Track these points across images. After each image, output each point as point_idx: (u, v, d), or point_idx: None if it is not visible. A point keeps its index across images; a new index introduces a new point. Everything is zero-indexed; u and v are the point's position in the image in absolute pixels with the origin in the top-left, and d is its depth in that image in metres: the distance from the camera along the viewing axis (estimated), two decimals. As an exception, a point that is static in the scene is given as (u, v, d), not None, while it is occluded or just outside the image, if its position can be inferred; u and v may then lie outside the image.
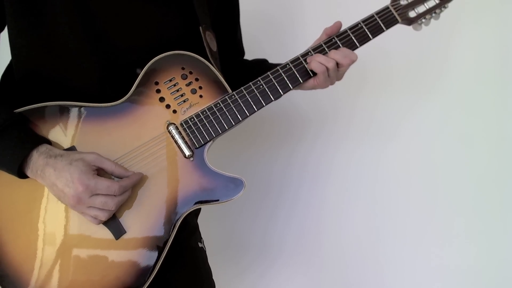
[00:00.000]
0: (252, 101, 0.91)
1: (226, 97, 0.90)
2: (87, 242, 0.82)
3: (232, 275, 1.59)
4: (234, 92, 0.91)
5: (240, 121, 0.90)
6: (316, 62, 0.92)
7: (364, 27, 0.95)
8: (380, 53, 1.37)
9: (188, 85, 0.89)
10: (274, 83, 0.92)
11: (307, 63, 0.93)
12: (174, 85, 0.89)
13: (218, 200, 0.88)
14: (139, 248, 0.84)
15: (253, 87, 0.92)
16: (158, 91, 0.88)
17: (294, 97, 1.20)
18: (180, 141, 0.88)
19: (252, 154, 1.57)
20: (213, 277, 1.07)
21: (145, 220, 0.85)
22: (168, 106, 0.88)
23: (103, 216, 0.79)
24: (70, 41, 0.85)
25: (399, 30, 0.99)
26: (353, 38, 0.94)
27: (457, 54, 1.45)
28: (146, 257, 0.84)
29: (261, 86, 0.92)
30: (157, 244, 0.85)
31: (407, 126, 1.50)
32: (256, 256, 1.60)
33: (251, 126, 1.50)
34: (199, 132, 0.89)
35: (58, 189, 0.77)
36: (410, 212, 1.51)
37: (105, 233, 0.83)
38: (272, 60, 1.11)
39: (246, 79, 0.92)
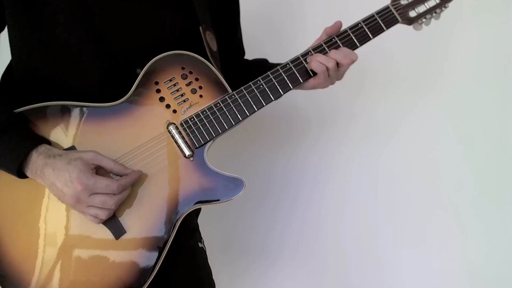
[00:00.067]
0: (252, 101, 0.91)
1: (226, 97, 0.90)
2: (87, 242, 0.82)
3: (232, 275, 1.59)
4: (234, 92, 0.91)
5: (240, 121, 0.90)
6: (316, 62, 0.92)
7: (364, 26, 0.95)
8: (380, 53, 1.37)
9: (188, 85, 0.89)
10: (274, 83, 0.92)
11: (307, 63, 0.93)
12: (174, 85, 0.89)
13: (218, 200, 0.87)
14: (139, 248, 0.84)
15: (253, 87, 0.91)
16: (158, 91, 0.88)
17: (294, 97, 1.20)
18: (180, 141, 0.87)
19: (252, 154, 1.57)
20: (213, 277, 1.07)
21: (145, 220, 0.85)
22: (168, 106, 0.88)
23: (103, 215, 0.79)
24: (70, 41, 0.85)
25: (399, 30, 0.99)
26: (353, 37, 0.94)
27: (457, 54, 1.45)
28: (146, 257, 0.84)
29: (261, 86, 0.92)
30: (157, 244, 0.85)
31: (407, 126, 1.50)
32: (256, 256, 1.60)
33: (251, 126, 1.50)
34: (199, 132, 0.89)
35: (58, 189, 0.77)
36: (410, 212, 1.51)
37: (105, 233, 0.83)
38: (272, 60, 1.11)
39: (246, 79, 0.92)
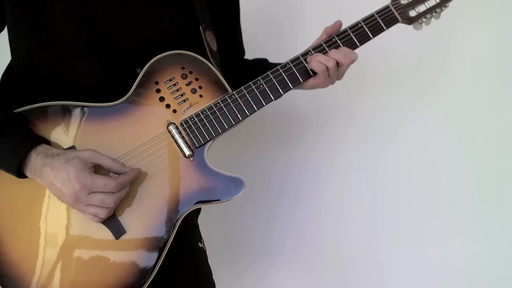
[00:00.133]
0: (252, 101, 0.91)
1: (226, 96, 0.90)
2: (87, 242, 0.82)
3: (232, 275, 1.59)
4: (234, 92, 0.91)
5: (240, 120, 0.90)
6: (316, 62, 0.92)
7: (364, 26, 0.94)
8: (380, 53, 1.37)
9: (188, 84, 0.89)
10: (274, 82, 0.92)
11: (307, 63, 0.93)
12: (174, 84, 0.89)
13: (218, 200, 0.87)
14: (139, 248, 0.84)
15: (253, 86, 0.91)
16: (158, 90, 0.88)
17: (294, 97, 1.20)
18: (180, 141, 0.87)
19: (252, 154, 1.57)
20: (213, 277, 1.06)
21: (145, 220, 0.85)
22: (168, 106, 0.88)
23: (103, 214, 0.79)
24: (70, 41, 0.85)
25: (399, 29, 0.99)
26: (353, 37, 0.94)
27: (457, 53, 1.45)
28: (146, 257, 0.84)
29: (261, 86, 0.92)
30: (157, 244, 0.85)
31: (407, 126, 1.50)
32: (256, 256, 1.60)
33: (251, 126, 1.50)
34: (199, 132, 0.88)
35: (56, 188, 0.77)
36: (410, 212, 1.51)
37: (105, 233, 0.83)
38: (272, 59, 1.11)
39: (246, 79, 0.92)
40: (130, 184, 0.83)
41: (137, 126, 0.87)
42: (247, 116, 0.91)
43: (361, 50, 0.95)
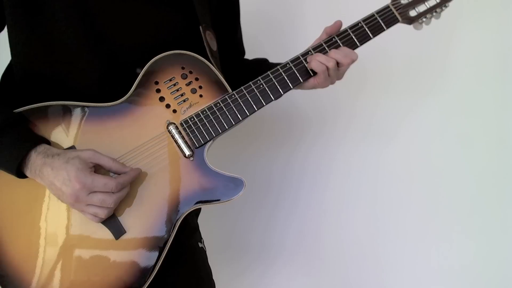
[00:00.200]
0: (252, 101, 0.91)
1: (226, 96, 0.90)
2: (87, 242, 0.82)
3: (232, 275, 1.59)
4: (234, 92, 0.91)
5: (240, 120, 0.90)
6: (316, 62, 0.92)
7: (364, 26, 0.94)
8: (380, 53, 1.37)
9: (188, 84, 0.89)
10: (274, 82, 0.92)
11: (307, 63, 0.93)
12: (174, 84, 0.89)
13: (218, 200, 0.87)
14: (139, 248, 0.84)
15: (253, 86, 0.91)
16: (158, 90, 0.88)
17: (294, 97, 1.20)
18: (180, 141, 0.87)
19: (252, 154, 1.57)
20: (213, 277, 1.06)
21: (145, 220, 0.85)
22: (168, 106, 0.88)
23: (103, 214, 0.79)
24: (70, 41, 0.85)
25: (399, 29, 0.99)
26: (353, 37, 0.94)
27: (457, 53, 1.45)
28: (146, 257, 0.84)
29: (261, 86, 0.92)
30: (157, 244, 0.84)
31: (407, 126, 1.50)
32: (256, 256, 1.60)
33: (251, 126, 1.50)
34: (199, 132, 0.88)
35: (57, 188, 0.77)
36: (410, 212, 1.51)
37: (105, 233, 0.83)
38: (272, 59, 1.11)
39: (246, 79, 0.92)
40: (130, 184, 0.83)
41: (137, 126, 0.87)
42: (247, 116, 0.91)
43: (361, 50, 0.95)
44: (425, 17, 0.98)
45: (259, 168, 1.57)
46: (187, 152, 0.87)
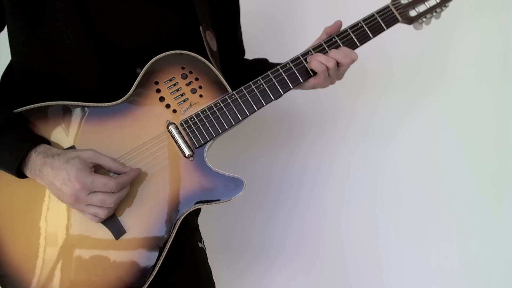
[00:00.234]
0: (252, 101, 0.91)
1: (226, 96, 0.90)
2: (87, 242, 0.82)
3: (232, 275, 1.59)
4: (234, 92, 0.91)
5: (240, 120, 0.90)
6: (316, 62, 0.92)
7: (364, 26, 0.94)
8: (380, 53, 1.37)
9: (188, 84, 0.89)
10: (274, 82, 0.92)
11: (307, 63, 0.93)
12: (174, 84, 0.89)
13: (218, 200, 0.87)
14: (139, 248, 0.84)
15: (253, 86, 0.91)
16: (158, 90, 0.88)
17: (294, 97, 1.20)
18: (180, 141, 0.87)
19: (252, 154, 1.57)
20: (213, 277, 1.06)
21: (145, 220, 0.85)
22: (168, 106, 0.88)
23: (103, 214, 0.79)
24: (70, 41, 0.85)
25: (399, 29, 0.99)
26: (353, 37, 0.94)
27: (457, 53, 1.45)
28: (146, 257, 0.84)
29: (261, 86, 0.92)
30: (157, 244, 0.84)
31: (407, 126, 1.50)
32: (256, 256, 1.60)
33: (251, 126, 1.50)
34: (199, 132, 0.88)
35: (57, 188, 0.77)
36: (410, 212, 1.51)
37: (105, 233, 0.83)
38: (272, 59, 1.11)
39: (246, 79, 0.92)
40: (130, 184, 0.83)
41: (137, 126, 0.87)
42: (247, 116, 0.91)
43: (361, 50, 0.95)
44: (425, 17, 0.98)
45: (259, 168, 1.57)
46: (187, 152, 0.87)
